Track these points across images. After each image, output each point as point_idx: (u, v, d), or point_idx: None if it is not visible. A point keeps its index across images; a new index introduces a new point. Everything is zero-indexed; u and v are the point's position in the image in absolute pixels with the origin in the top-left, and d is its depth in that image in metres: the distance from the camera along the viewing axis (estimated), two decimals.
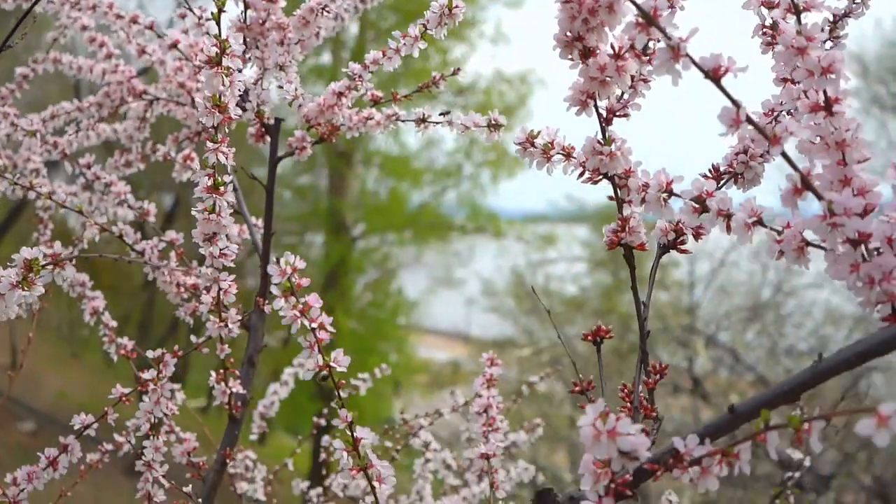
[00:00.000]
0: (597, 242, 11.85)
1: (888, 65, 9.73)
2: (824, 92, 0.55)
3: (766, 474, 6.46)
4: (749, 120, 0.52)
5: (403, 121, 1.01)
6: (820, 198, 0.53)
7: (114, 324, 1.13)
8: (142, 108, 1.24)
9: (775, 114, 0.70)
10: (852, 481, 6.04)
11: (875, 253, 0.53)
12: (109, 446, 1.14)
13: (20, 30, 0.80)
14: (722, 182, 0.71)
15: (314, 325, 0.64)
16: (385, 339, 11.35)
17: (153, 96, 1.22)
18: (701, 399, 6.22)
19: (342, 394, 0.66)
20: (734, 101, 0.52)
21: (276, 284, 0.62)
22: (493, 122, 0.85)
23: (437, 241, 12.43)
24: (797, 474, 1.16)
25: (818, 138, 0.56)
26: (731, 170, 0.70)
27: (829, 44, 0.74)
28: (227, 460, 1.02)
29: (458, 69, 1.03)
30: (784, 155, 0.53)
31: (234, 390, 1.01)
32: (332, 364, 0.65)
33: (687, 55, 0.51)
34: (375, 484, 0.66)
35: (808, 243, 0.56)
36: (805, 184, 0.53)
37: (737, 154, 0.70)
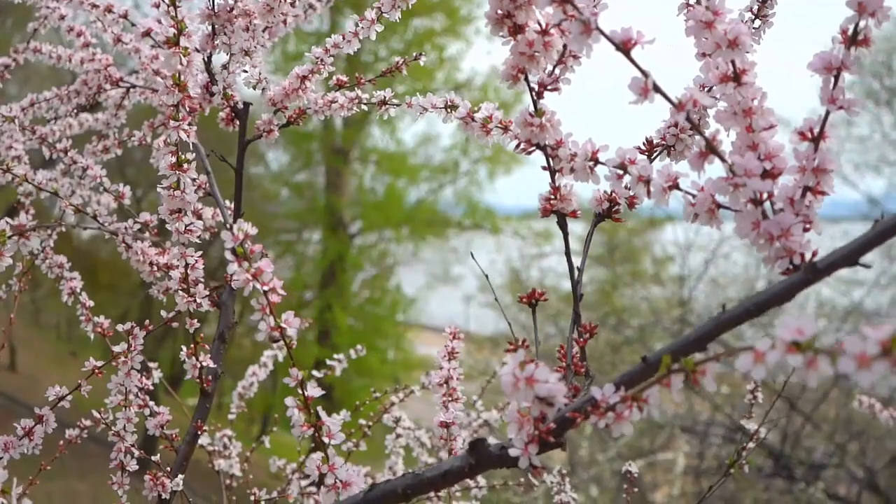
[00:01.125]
0: (593, 239, 11.89)
1: (882, 59, 9.76)
2: (732, 63, 0.59)
3: (758, 467, 6.51)
4: (656, 88, 0.56)
5: (366, 103, 1.05)
6: (724, 160, 0.57)
7: (91, 303, 1.16)
8: (119, 95, 1.28)
9: (705, 88, 0.74)
10: (844, 472, 6.09)
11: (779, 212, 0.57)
12: (88, 422, 1.18)
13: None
14: (655, 154, 0.75)
15: (266, 288, 0.68)
16: (383, 336, 11.39)
17: (130, 84, 1.26)
18: (693, 391, 6.26)
19: (290, 353, 0.70)
20: (643, 72, 0.56)
21: (228, 249, 0.66)
22: (449, 103, 0.89)
23: (434, 238, 12.48)
24: (751, 444, 1.20)
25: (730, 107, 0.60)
26: (663, 142, 0.74)
27: (757, 22, 0.78)
28: (199, 432, 1.05)
29: (420, 54, 1.07)
30: (689, 121, 0.57)
31: (204, 364, 1.05)
32: (283, 325, 0.69)
33: (597, 29, 0.55)
34: (325, 439, 0.70)
35: (719, 205, 0.60)
36: (710, 148, 0.57)
37: (668, 127, 0.74)
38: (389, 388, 1.42)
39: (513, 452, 0.60)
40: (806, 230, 0.57)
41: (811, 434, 6.45)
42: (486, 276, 0.97)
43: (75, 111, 1.28)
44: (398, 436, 1.38)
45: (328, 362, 1.50)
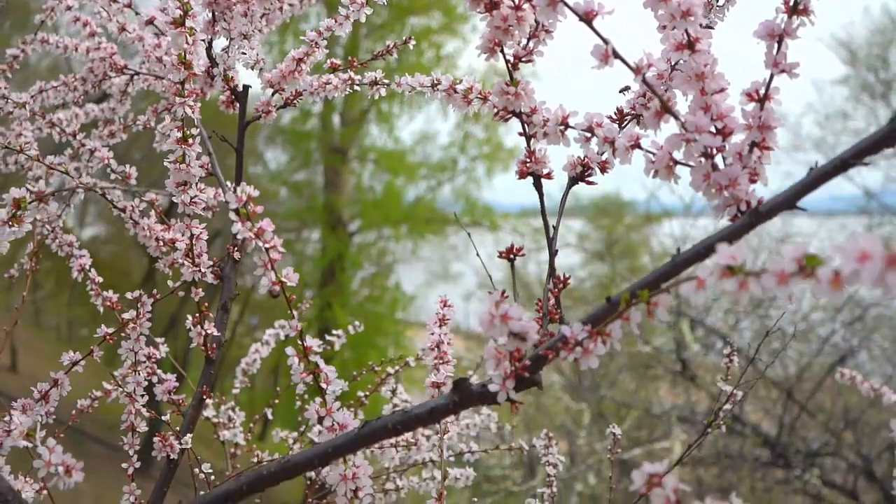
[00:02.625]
0: (592, 234, 11.96)
1: (877, 52, 9.81)
2: (686, 32, 0.65)
3: (755, 457, 6.57)
4: (615, 54, 0.62)
5: (359, 84, 1.11)
6: (677, 119, 0.63)
7: (100, 279, 1.22)
8: (124, 82, 1.34)
9: (672, 62, 0.80)
10: (840, 460, 6.16)
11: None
12: (99, 393, 1.24)
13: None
14: (626, 122, 0.81)
15: (267, 245, 0.74)
16: (383, 334, 11.44)
17: (134, 71, 1.32)
18: (690, 381, 6.33)
19: (290, 306, 0.76)
20: (604, 39, 0.62)
21: (233, 210, 0.72)
22: (435, 82, 0.95)
23: (433, 236, 12.53)
24: (728, 406, 1.26)
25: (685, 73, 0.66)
26: (633, 111, 0.80)
27: (721, 0, 0.84)
28: (204, 397, 1.12)
29: (410, 38, 1.13)
30: (646, 83, 0.63)
31: (209, 332, 1.11)
32: (283, 280, 0.75)
33: (562, 1, 0.61)
34: (323, 385, 0.76)
35: (676, 161, 0.66)
36: (665, 107, 0.63)
37: (638, 97, 0.80)
38: (386, 360, 1.49)
39: (492, 388, 0.66)
40: (752, 181, 0.63)
41: (807, 423, 6.52)
42: (489, 275, 1.03)
43: (82, 99, 1.34)
44: (395, 406, 1.44)
45: (328, 337, 1.56)
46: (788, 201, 0.58)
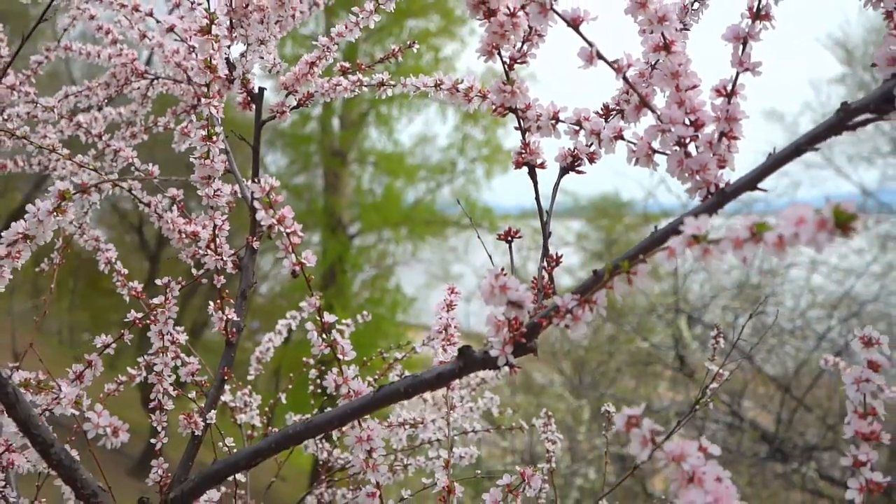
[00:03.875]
0: (592, 234, 12.05)
1: (873, 51, 9.88)
2: (662, 35, 0.73)
3: (753, 452, 6.65)
4: (599, 55, 0.70)
5: (366, 86, 1.19)
6: (654, 112, 0.71)
7: (125, 271, 1.31)
8: (144, 86, 1.42)
9: (651, 62, 0.89)
10: (837, 454, 6.23)
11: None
12: (123, 378, 1.33)
13: (47, 14, 0.98)
14: (611, 116, 0.89)
15: (289, 230, 0.82)
16: (384, 336, 11.50)
17: (154, 75, 1.40)
18: (689, 378, 6.41)
19: (308, 285, 0.84)
20: (589, 42, 0.70)
21: (256, 199, 0.81)
22: (438, 82, 1.03)
23: (432, 238, 12.61)
24: (714, 385, 1.34)
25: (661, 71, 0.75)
26: (617, 107, 0.89)
27: (696, 4, 0.93)
28: (225, 378, 1.20)
29: (414, 41, 1.22)
30: (627, 81, 0.72)
31: (229, 318, 1.19)
32: (302, 261, 0.83)
33: (552, 9, 0.70)
34: (340, 356, 0.85)
35: (654, 150, 0.74)
36: (643, 102, 0.72)
37: (621, 94, 0.88)
38: (394, 346, 1.57)
39: (493, 353, 0.74)
40: (721, 167, 0.72)
41: (804, 418, 6.60)
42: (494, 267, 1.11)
43: (105, 102, 1.42)
44: None
45: (338, 326, 1.64)
46: (750, 183, 0.67)
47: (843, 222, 0.47)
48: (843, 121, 0.64)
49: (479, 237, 1.01)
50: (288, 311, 1.72)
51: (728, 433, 6.84)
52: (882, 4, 0.67)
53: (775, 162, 0.66)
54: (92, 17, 1.41)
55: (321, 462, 1.60)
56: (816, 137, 0.65)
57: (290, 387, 1.72)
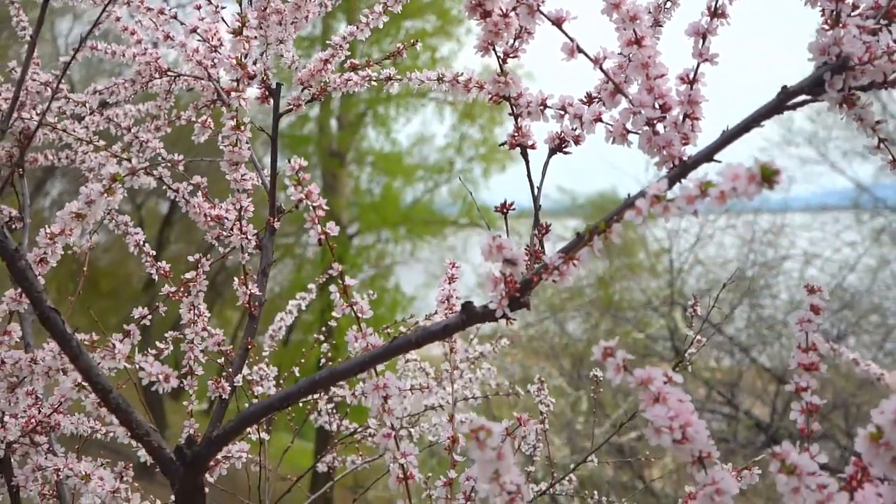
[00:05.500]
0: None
1: None
2: (634, 32, 0.86)
3: (749, 441, 6.78)
4: (579, 49, 0.82)
5: (375, 80, 1.32)
6: (626, 97, 0.84)
7: (153, 252, 1.43)
8: (167, 83, 1.54)
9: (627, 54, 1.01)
10: (830, 442, 6.37)
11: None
12: (162, 346, 1.44)
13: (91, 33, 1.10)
14: (593, 103, 1.01)
15: (315, 204, 0.94)
16: (384, 336, 11.62)
17: (176, 73, 1.52)
18: (684, 369, 6.54)
19: (332, 252, 0.96)
20: (570, 38, 0.83)
21: (288, 176, 0.93)
22: (440, 76, 1.15)
23: (431, 237, 12.73)
24: (692, 350, 1.47)
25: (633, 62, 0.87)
26: (598, 95, 1.01)
27: (669, 3, 1.05)
28: (249, 346, 1.32)
29: (416, 41, 1.34)
30: (603, 71, 0.84)
31: (252, 292, 1.31)
32: (327, 231, 0.95)
33: (538, 10, 0.82)
34: (359, 314, 0.97)
35: (628, 130, 0.87)
36: (617, 89, 0.84)
37: (601, 83, 1.00)
38: (399, 319, 1.69)
39: (491, 306, 0.87)
40: (685, 143, 0.84)
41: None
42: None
43: (131, 98, 1.54)
44: (407, 360, 1.64)
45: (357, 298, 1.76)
46: (706, 156, 0.79)
47: (768, 176, 0.59)
48: (782, 102, 0.77)
49: (487, 225, 1.13)
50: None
51: (725, 423, 6.97)
52: (819, 3, 0.79)
53: (727, 138, 0.78)
54: (118, 19, 1.53)
55: (332, 433, 1.73)
56: (761, 116, 0.77)
57: (302, 360, 1.84)
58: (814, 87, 0.75)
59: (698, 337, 1.47)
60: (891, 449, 0.58)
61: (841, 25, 0.76)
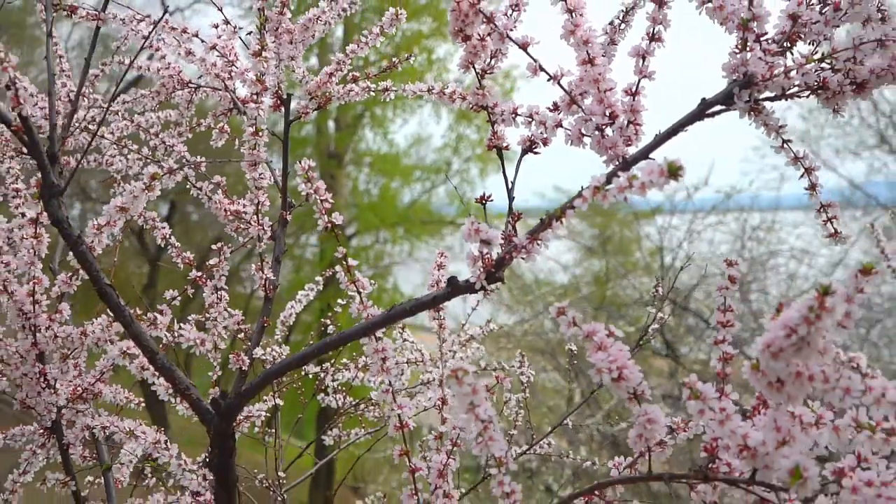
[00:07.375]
0: (585, 231, 12.38)
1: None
2: (587, 53, 1.04)
3: None
4: (541, 68, 1.01)
5: (374, 91, 1.50)
6: (580, 107, 1.02)
7: (178, 245, 1.61)
8: (188, 93, 1.73)
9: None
10: None
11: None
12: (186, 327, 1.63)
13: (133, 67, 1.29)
14: (558, 111, 1.20)
15: (322, 198, 1.13)
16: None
17: (197, 85, 1.71)
18: (674, 361, 6.73)
19: (339, 239, 1.14)
20: (533, 59, 1.01)
21: (298, 175, 1.11)
22: (430, 88, 1.34)
23: (429, 237, 12.90)
24: (655, 326, 1.65)
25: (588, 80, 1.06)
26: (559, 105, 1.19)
27: (623, 25, 1.23)
28: (265, 324, 1.51)
29: (412, 54, 1.53)
30: (560, 86, 1.03)
31: (268, 277, 1.50)
32: (333, 220, 1.14)
33: (508, 36, 1.01)
34: (361, 290, 1.15)
35: (583, 134, 1.05)
36: (572, 100, 1.03)
37: (563, 96, 1.19)
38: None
39: (471, 279, 1.05)
40: (629, 145, 1.02)
41: None
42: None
43: (157, 106, 1.73)
44: (405, 340, 1.83)
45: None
46: (643, 155, 0.98)
47: (673, 171, 0.78)
48: (702, 111, 0.96)
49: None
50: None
51: None
52: (711, 3, 0.97)
53: (658, 141, 0.97)
54: (145, 38, 1.72)
55: (336, 409, 1.91)
56: (684, 123, 0.96)
57: (311, 341, 2.02)
58: (726, 99, 0.94)
59: (660, 314, 1.66)
60: (765, 376, 0.77)
61: (748, 49, 0.95)
